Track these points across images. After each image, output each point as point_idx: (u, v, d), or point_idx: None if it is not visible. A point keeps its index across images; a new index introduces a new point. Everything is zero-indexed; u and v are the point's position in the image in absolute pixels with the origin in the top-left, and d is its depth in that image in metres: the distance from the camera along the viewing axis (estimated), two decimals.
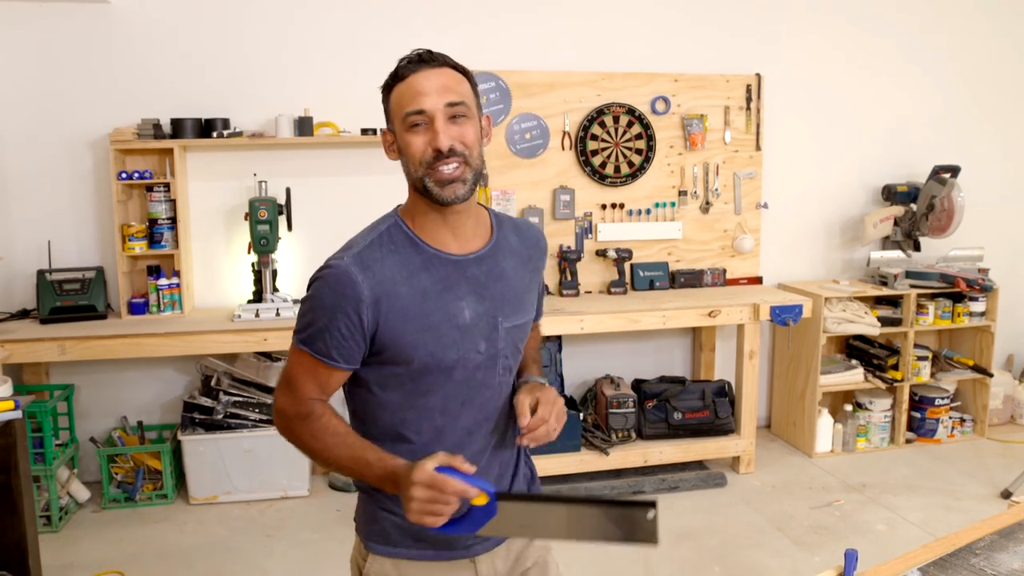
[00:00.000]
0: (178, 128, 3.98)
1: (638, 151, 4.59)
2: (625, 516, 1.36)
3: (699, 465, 4.41)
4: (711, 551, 3.57)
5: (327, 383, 1.54)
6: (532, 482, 1.80)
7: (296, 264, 4.34)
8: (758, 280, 4.87)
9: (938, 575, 1.53)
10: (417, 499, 1.35)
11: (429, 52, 1.51)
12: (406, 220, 1.57)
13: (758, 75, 4.72)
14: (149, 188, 4.03)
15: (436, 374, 1.53)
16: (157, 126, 3.95)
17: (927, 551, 1.60)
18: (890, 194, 4.94)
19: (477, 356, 1.56)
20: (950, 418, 4.91)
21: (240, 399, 4.01)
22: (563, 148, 4.52)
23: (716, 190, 4.73)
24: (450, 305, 1.53)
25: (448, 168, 1.47)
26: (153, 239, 4.04)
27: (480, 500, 1.38)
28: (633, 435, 4.33)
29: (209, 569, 3.45)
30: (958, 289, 4.65)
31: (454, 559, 1.63)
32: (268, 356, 4.24)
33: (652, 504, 1.34)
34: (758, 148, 4.77)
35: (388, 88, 1.53)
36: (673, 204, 4.69)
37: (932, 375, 4.87)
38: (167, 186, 4.01)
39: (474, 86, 1.55)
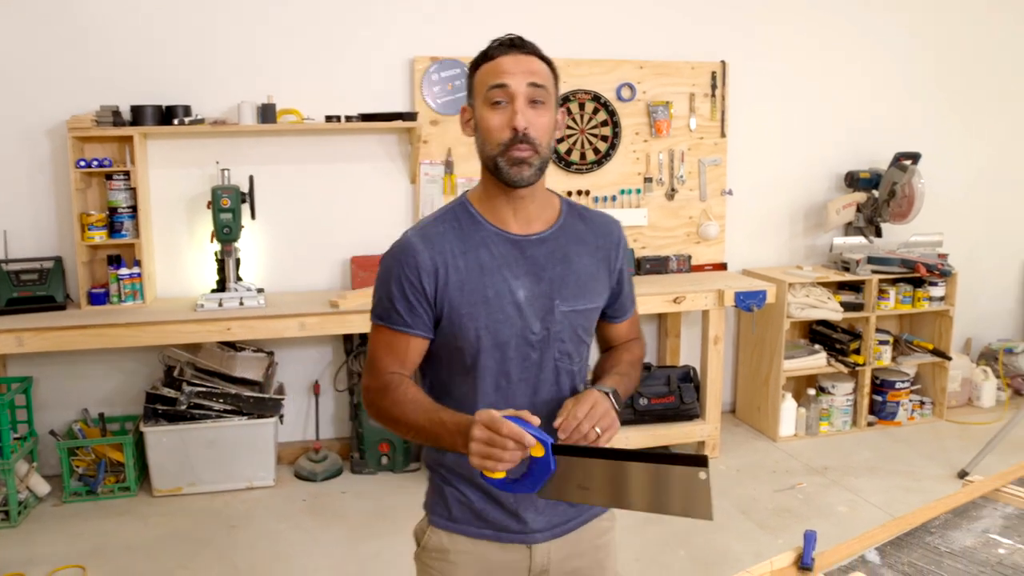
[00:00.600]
0: (138, 115, 3.92)
1: (603, 138, 4.60)
2: (678, 478, 1.35)
3: (665, 450, 4.44)
4: (676, 535, 3.60)
5: (405, 355, 1.59)
6: None
7: (260, 253, 4.30)
8: (723, 266, 4.91)
9: (895, 554, 1.55)
10: (476, 439, 1.37)
11: (520, 38, 1.56)
12: (472, 201, 1.63)
13: (723, 62, 4.75)
14: (109, 176, 3.96)
15: (490, 350, 1.58)
16: (116, 113, 3.88)
17: (884, 531, 1.63)
18: (852, 181, 4.99)
19: (531, 336, 1.59)
20: (910, 401, 4.99)
21: (204, 389, 3.96)
22: None
23: (681, 177, 4.75)
24: (507, 282, 1.58)
25: (522, 151, 1.52)
26: (113, 228, 3.98)
27: (536, 451, 1.38)
28: None
29: (173, 562, 3.41)
30: (918, 274, 4.72)
31: (512, 542, 1.66)
32: (232, 346, 4.20)
33: (703, 462, 1.33)
34: (723, 135, 4.80)
35: (475, 66, 1.58)
36: (639, 191, 4.70)
37: (893, 359, 4.95)
38: (127, 174, 3.95)
39: (556, 79, 1.60)
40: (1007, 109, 5.42)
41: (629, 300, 1.80)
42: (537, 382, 1.62)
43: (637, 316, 1.85)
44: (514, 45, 1.55)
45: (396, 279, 1.57)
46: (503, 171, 1.53)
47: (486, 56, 1.56)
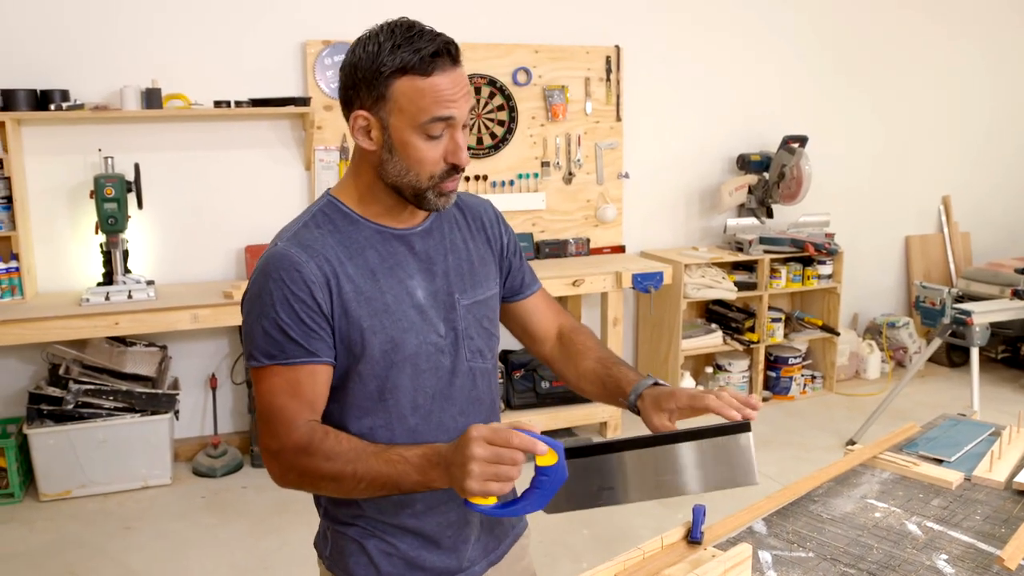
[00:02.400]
0: (10, 99, 3.70)
1: (500, 122, 4.60)
2: (720, 449, 1.27)
3: (568, 432, 4.49)
4: (578, 516, 3.64)
5: (314, 393, 1.32)
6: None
7: (149, 243, 4.14)
8: (621, 249, 4.98)
9: (780, 523, 1.60)
10: (478, 459, 1.14)
11: (455, 45, 1.30)
12: (342, 198, 1.40)
13: (617, 47, 4.80)
14: None
15: (400, 365, 1.36)
16: None
17: (770, 501, 1.68)
18: (744, 163, 5.13)
19: (439, 340, 1.41)
20: (802, 376, 5.19)
21: (92, 387, 3.80)
22: None
23: (578, 160, 4.80)
24: (403, 283, 1.38)
25: (454, 183, 1.36)
26: None
27: (548, 459, 1.20)
28: (502, 405, 4.37)
29: (62, 568, 3.27)
30: (807, 253, 4.90)
31: None
32: (121, 341, 4.05)
33: (746, 427, 1.25)
34: (619, 119, 4.86)
35: (398, 71, 1.27)
36: (536, 175, 4.73)
37: (785, 336, 5.12)
38: (0, 163, 3.74)
39: None
40: (889, 93, 5.66)
41: (529, 273, 1.64)
42: (453, 391, 1.43)
43: (549, 294, 1.71)
44: (452, 57, 1.28)
45: (281, 302, 1.28)
46: (428, 201, 1.35)
47: (419, 68, 1.26)
